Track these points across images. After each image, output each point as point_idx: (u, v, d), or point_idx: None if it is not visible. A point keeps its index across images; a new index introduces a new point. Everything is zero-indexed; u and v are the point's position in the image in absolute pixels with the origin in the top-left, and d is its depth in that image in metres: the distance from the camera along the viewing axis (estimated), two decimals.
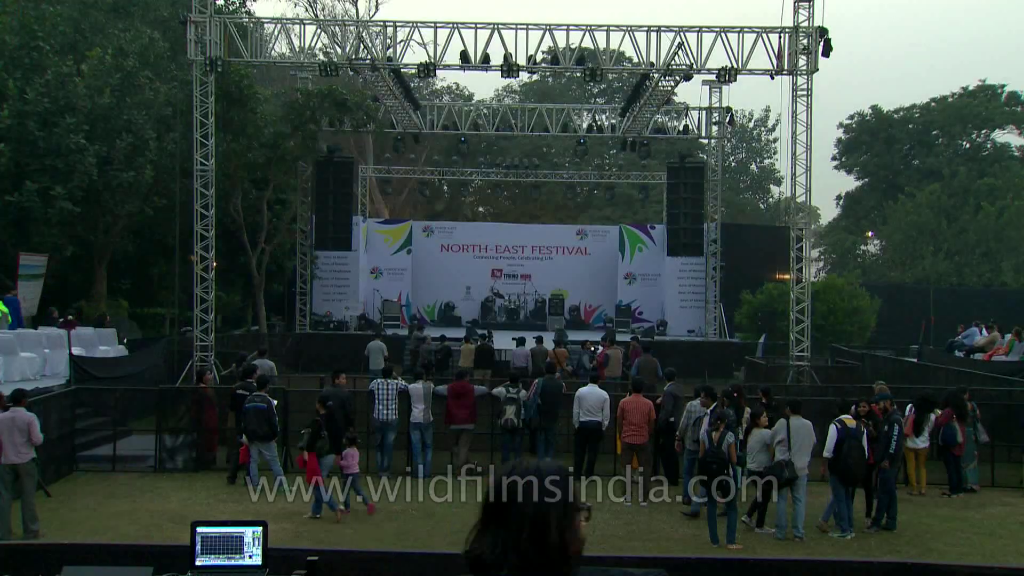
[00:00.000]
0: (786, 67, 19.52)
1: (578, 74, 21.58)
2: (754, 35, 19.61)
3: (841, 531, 10.62)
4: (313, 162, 28.19)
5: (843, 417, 10.75)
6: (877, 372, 20.61)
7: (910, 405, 12.99)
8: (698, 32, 19.60)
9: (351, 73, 21.38)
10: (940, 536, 10.76)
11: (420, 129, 28.39)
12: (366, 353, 20.89)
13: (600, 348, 19.97)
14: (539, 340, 20.01)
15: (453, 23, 19.64)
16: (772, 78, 19.88)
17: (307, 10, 40.56)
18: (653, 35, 19.74)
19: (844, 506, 10.66)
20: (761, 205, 56.59)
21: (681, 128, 29.42)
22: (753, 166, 56.35)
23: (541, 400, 13.97)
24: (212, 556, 4.70)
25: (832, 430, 10.67)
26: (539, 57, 21.44)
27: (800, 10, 19.35)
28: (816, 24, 19.32)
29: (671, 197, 30.40)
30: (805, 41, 19.36)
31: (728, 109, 28.18)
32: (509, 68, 19.75)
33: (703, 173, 30.18)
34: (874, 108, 50.73)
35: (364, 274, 32.47)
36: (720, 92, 27.71)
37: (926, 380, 18.18)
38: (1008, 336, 20.14)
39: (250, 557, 4.71)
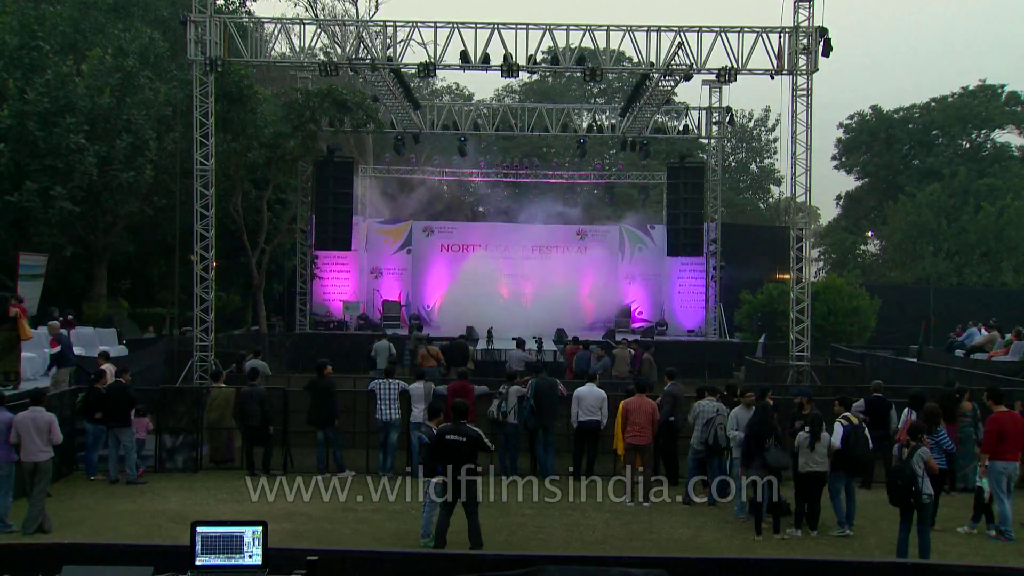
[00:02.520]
0: (786, 67, 19.53)
1: (578, 74, 21.56)
2: (754, 35, 19.62)
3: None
4: (313, 162, 28.19)
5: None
6: (877, 372, 20.60)
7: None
8: (698, 32, 19.60)
9: (351, 73, 21.37)
10: (940, 536, 10.75)
11: (420, 129, 28.40)
12: (373, 354, 20.96)
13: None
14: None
15: (453, 23, 19.64)
16: (772, 78, 19.89)
17: (307, 10, 40.55)
18: (653, 35, 19.75)
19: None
20: (761, 205, 56.58)
21: (681, 128, 29.41)
22: (753, 166, 56.35)
23: (534, 400, 13.96)
24: (212, 556, 4.69)
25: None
26: (539, 57, 21.44)
27: (800, 10, 19.36)
28: (816, 24, 19.34)
29: (671, 197, 30.40)
30: (805, 41, 19.37)
31: (728, 109, 28.17)
32: (509, 68, 19.75)
33: (703, 173, 30.18)
34: (874, 108, 50.77)
35: (364, 274, 32.50)
36: (720, 92, 27.73)
37: (926, 380, 18.16)
38: (1008, 336, 20.14)
39: (250, 557, 4.71)
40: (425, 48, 19.70)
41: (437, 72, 20.61)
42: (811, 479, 10.51)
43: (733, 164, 53.51)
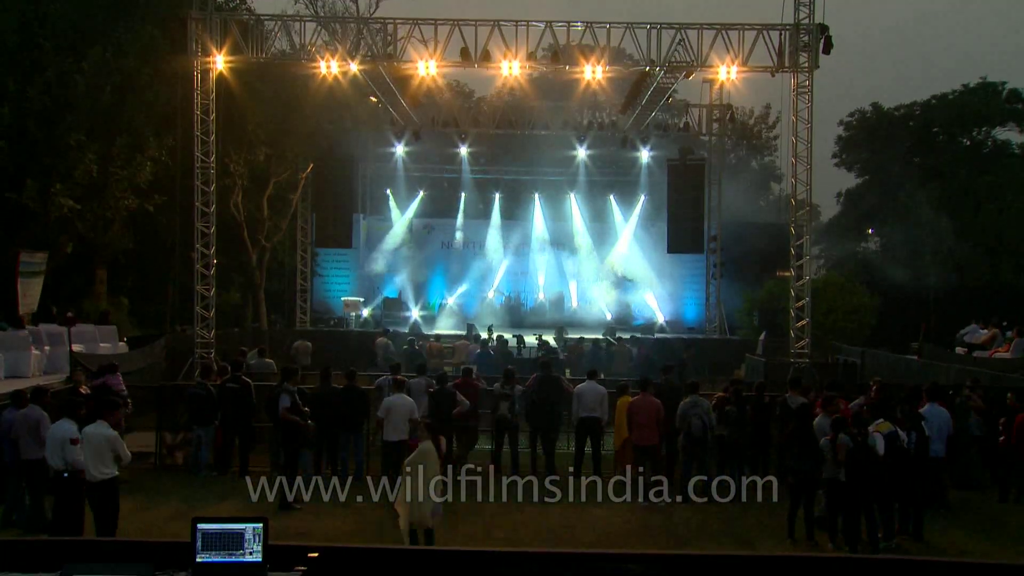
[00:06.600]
0: (787, 64, 19.50)
1: (578, 70, 21.48)
2: (755, 32, 19.58)
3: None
4: (313, 159, 28.14)
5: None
6: (877, 370, 20.57)
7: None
8: (699, 29, 19.57)
9: (351, 70, 21.39)
10: (940, 536, 10.75)
11: (420, 127, 28.36)
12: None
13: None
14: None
15: (453, 20, 19.62)
16: (773, 75, 19.87)
17: (307, 7, 40.43)
18: (654, 32, 19.72)
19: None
20: (762, 203, 56.45)
21: (681, 125, 29.39)
22: (754, 163, 56.24)
23: (537, 395, 13.84)
24: (212, 553, 4.69)
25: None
26: (539, 53, 21.41)
27: (801, 7, 19.33)
28: (817, 21, 19.31)
29: (672, 195, 30.35)
30: (806, 38, 19.34)
31: (728, 106, 28.10)
32: (509, 65, 19.73)
33: (703, 171, 30.14)
34: (875, 105, 50.60)
35: (365, 271, 32.46)
36: (721, 89, 27.68)
37: (926, 377, 18.13)
38: (1008, 334, 20.14)
39: (250, 554, 4.71)
40: (425, 45, 19.69)
41: (437, 69, 20.61)
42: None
43: (733, 161, 53.37)
